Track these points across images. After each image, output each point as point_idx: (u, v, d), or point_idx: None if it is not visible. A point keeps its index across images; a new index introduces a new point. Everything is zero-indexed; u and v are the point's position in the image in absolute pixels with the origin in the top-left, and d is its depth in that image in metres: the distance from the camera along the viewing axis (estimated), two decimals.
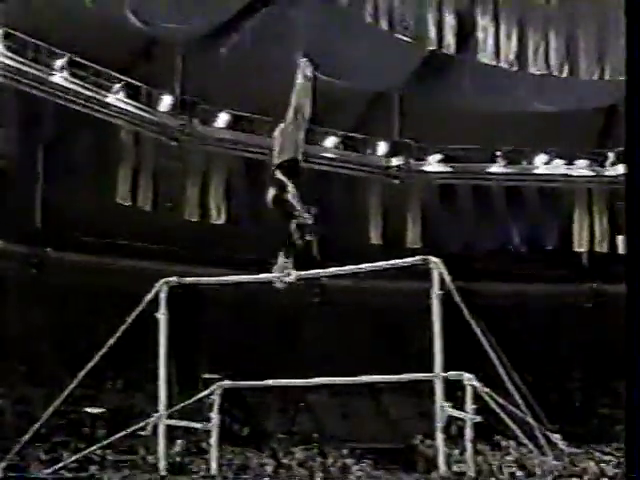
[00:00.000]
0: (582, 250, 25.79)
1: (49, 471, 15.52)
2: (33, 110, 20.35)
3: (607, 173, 24.83)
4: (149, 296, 12.32)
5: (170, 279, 12.54)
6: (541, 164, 25.49)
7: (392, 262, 11.59)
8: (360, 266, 10.63)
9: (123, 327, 12.55)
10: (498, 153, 25.23)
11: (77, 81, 20.73)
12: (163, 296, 12.18)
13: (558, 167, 25.41)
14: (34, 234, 23.42)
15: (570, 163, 25.39)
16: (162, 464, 12.76)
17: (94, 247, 23.70)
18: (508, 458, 22.36)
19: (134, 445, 19.40)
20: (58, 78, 20.44)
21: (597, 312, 26.42)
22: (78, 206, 22.46)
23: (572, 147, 25.17)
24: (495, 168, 25.35)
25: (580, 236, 25.25)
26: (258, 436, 23.18)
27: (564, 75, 23.11)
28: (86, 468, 18.48)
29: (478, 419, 11.84)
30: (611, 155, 24.82)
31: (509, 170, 25.34)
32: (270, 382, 14.45)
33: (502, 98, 23.77)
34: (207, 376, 19.26)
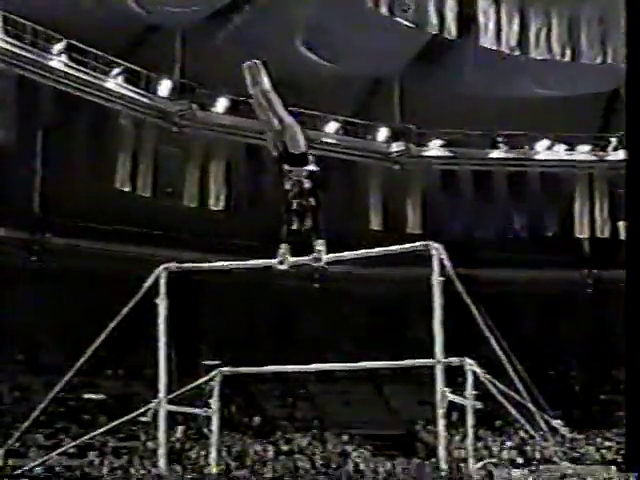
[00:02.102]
0: (583, 236, 25.71)
1: (52, 455, 15.54)
2: (32, 95, 20.21)
3: (609, 158, 24.72)
4: (149, 282, 12.23)
5: (169, 265, 12.46)
6: (543, 149, 25.38)
7: (393, 248, 11.52)
8: (360, 252, 10.55)
9: (122, 313, 12.48)
10: (499, 138, 25.13)
11: (76, 66, 20.59)
12: (163, 282, 12.09)
13: (560, 152, 25.32)
14: (33, 220, 23.36)
15: (572, 148, 25.30)
16: (163, 450, 12.72)
17: (94, 233, 23.64)
18: (508, 444, 22.42)
19: (135, 431, 19.45)
20: (56, 62, 20.30)
21: (598, 298, 26.40)
22: (77, 192, 22.40)
23: (574, 132, 25.05)
24: (496, 153, 25.26)
25: (581, 222, 25.15)
26: (261, 423, 23.22)
27: (566, 60, 22.94)
28: (86, 454, 18.55)
29: (479, 405, 11.82)
30: (613, 140, 24.70)
31: (510, 155, 25.24)
32: (270, 368, 14.40)
33: (503, 83, 23.63)
34: (207, 362, 19.24)
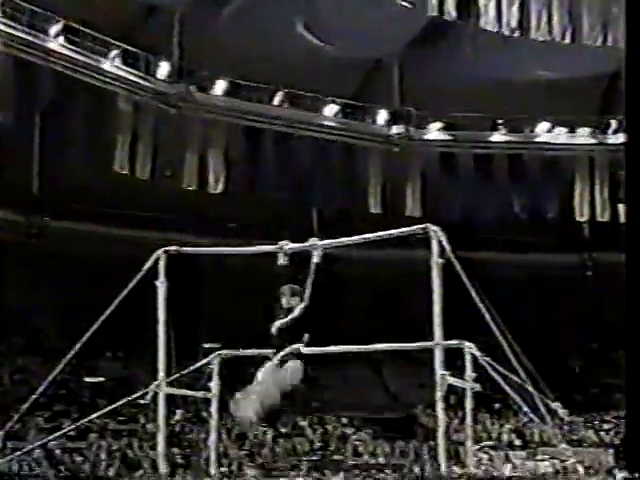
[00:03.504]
0: (583, 219, 25.64)
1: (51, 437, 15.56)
2: (29, 77, 20.07)
3: (609, 141, 24.60)
4: (148, 264, 12.16)
5: (169, 248, 12.38)
6: (543, 132, 25.27)
7: (392, 232, 11.44)
8: (357, 238, 10.48)
9: (121, 296, 12.43)
10: (499, 121, 25.01)
11: (73, 47, 20.45)
12: (162, 264, 12.01)
13: (560, 135, 25.21)
14: (32, 203, 23.28)
15: (572, 131, 25.18)
16: (162, 433, 12.70)
17: (93, 216, 23.59)
18: (507, 426, 22.50)
19: (134, 414, 19.52)
20: (54, 44, 20.16)
21: (597, 281, 26.38)
22: (76, 174, 22.30)
23: (574, 115, 24.93)
24: (496, 136, 25.15)
25: (581, 205, 25.07)
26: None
27: (567, 41, 22.79)
28: (86, 437, 18.63)
29: (478, 388, 11.80)
30: (613, 122, 24.58)
31: (510, 138, 25.14)
32: (269, 351, 14.35)
33: (504, 65, 23.48)
34: (207, 345, 19.24)
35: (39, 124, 22.12)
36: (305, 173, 23.88)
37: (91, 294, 19.78)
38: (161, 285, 11.98)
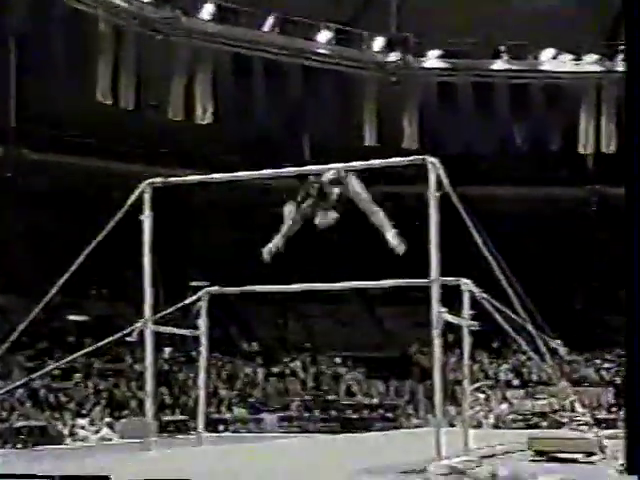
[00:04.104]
0: (587, 152, 24.79)
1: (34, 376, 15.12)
2: None
3: (618, 68, 23.53)
4: (132, 198, 11.48)
5: (154, 180, 11.69)
6: (547, 59, 24.34)
7: (387, 161, 10.78)
8: (352, 164, 9.83)
9: (105, 231, 11.77)
10: (502, 48, 24.08)
11: None
12: (147, 197, 11.33)
13: (565, 63, 24.26)
14: (8, 133, 22.31)
15: (578, 58, 24.21)
16: (149, 372, 12.21)
17: (73, 147, 22.72)
18: (505, 366, 22.24)
19: (120, 353, 19.12)
20: None
21: (601, 216, 25.70)
22: (55, 104, 21.33)
23: (581, 40, 23.91)
24: (498, 64, 24.27)
25: (586, 137, 24.20)
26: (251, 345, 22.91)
27: None
28: (71, 377, 18.23)
29: (475, 325, 11.31)
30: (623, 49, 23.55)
31: (513, 66, 24.25)
32: (257, 288, 13.81)
33: None
34: (195, 284, 18.70)
35: (15, 48, 21.01)
36: (297, 103, 23.00)
37: (73, 229, 19.11)
38: (146, 219, 11.38)
